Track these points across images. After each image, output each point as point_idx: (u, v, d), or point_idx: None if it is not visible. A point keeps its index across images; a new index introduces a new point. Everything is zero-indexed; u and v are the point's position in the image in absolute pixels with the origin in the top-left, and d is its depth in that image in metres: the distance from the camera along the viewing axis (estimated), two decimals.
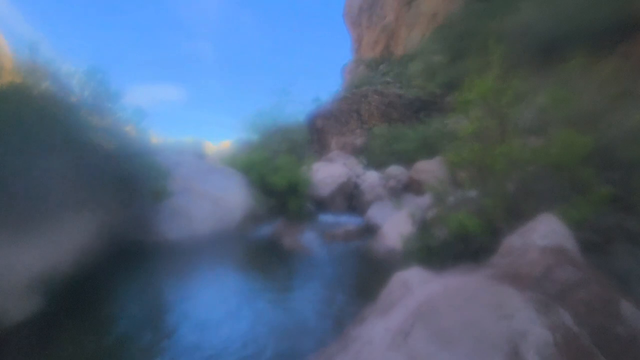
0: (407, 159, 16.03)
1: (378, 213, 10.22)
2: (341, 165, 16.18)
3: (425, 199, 9.23)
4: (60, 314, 4.55)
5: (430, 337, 1.77)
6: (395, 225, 8.23)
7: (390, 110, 22.77)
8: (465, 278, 2.10)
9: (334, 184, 14.07)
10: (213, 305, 5.14)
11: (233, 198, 11.15)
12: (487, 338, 1.68)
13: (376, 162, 18.19)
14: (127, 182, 7.14)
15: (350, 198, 14.36)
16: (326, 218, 12.21)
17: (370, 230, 9.61)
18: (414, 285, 2.40)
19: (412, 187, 12.90)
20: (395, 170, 14.60)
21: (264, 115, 17.59)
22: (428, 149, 15.13)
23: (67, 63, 7.37)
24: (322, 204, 13.58)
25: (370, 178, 14.49)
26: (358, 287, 5.75)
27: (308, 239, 9.06)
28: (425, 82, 24.30)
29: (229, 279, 6.28)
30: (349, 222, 10.92)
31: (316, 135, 24.27)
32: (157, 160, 8.06)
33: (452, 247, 5.39)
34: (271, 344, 3.95)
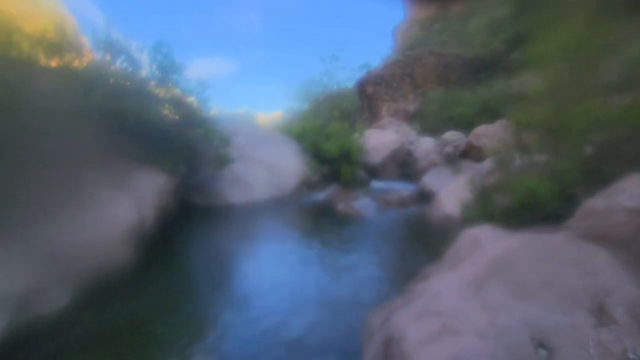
0: (465, 124, 15.13)
1: (433, 180, 9.94)
2: (393, 132, 15.79)
3: (485, 165, 8.77)
4: (145, 262, 5.21)
5: (505, 289, 1.79)
6: (452, 192, 7.99)
7: (447, 73, 21.31)
8: (544, 235, 2.04)
9: (386, 151, 13.85)
10: (274, 263, 5.54)
11: (287, 165, 11.53)
12: (568, 293, 1.65)
13: (431, 128, 17.42)
14: (193, 149, 7.70)
15: (403, 165, 14.07)
16: (378, 185, 12.18)
17: (424, 197, 9.43)
18: (486, 242, 2.38)
19: (470, 153, 12.25)
20: (452, 135, 13.92)
21: (314, 83, 17.53)
22: (489, 113, 14.10)
23: (134, 40, 7.87)
24: (374, 171, 13.50)
25: (425, 144, 14.00)
26: (416, 250, 5.80)
27: (361, 204, 9.18)
28: (487, 40, 22.16)
29: (288, 240, 6.66)
30: (402, 189, 10.80)
31: (366, 102, 23.67)
32: (219, 129, 8.52)
33: (516, 214, 5.15)
34: (330, 302, 4.21)
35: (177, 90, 8.21)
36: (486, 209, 5.80)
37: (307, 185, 11.54)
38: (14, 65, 5.29)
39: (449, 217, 7.25)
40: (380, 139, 14.36)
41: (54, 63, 6.88)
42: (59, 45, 6.85)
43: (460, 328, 1.71)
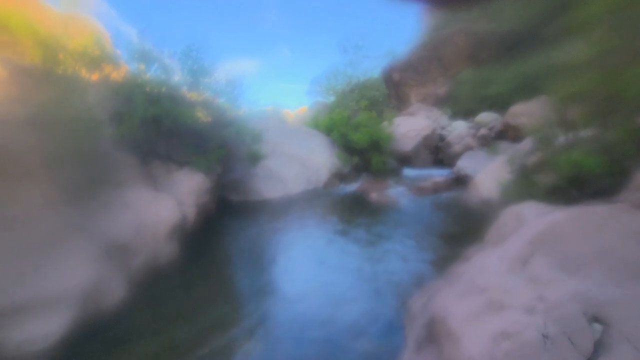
0: (500, 104, 14.41)
1: (469, 163, 9.61)
2: (424, 118, 15.37)
3: (525, 145, 8.36)
4: (189, 256, 5.49)
5: (554, 263, 1.72)
6: (489, 174, 7.70)
7: (478, 51, 20.31)
8: (593, 207, 1.93)
9: (417, 138, 13.54)
10: (311, 253, 5.63)
11: (318, 158, 11.60)
12: (624, 265, 1.56)
13: (463, 111, 16.76)
14: (227, 148, 7.96)
15: (436, 151, 13.71)
16: (411, 173, 11.97)
17: (460, 182, 9.16)
18: (530, 218, 2.29)
19: (507, 133, 11.69)
20: (487, 117, 13.34)
21: (338, 75, 17.43)
22: (527, 90, 13.31)
23: (165, 48, 8.18)
24: (406, 159, 13.26)
25: (458, 128, 13.53)
26: (454, 234, 5.67)
27: (394, 193, 9.08)
28: (521, 11, 20.83)
29: (323, 231, 6.74)
30: (436, 175, 10.54)
31: (394, 90, 23.16)
32: (250, 126, 8.72)
33: (562, 192, 4.89)
34: (370, 288, 4.23)
35: (208, 92, 8.49)
36: (528, 189, 5.55)
37: (339, 177, 11.56)
38: (62, 81, 5.72)
39: (487, 200, 7.00)
40: (410, 126, 14.05)
41: (95, 76, 7.35)
42: (99, 60, 7.29)
43: (506, 303, 1.68)
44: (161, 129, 6.64)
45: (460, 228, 5.93)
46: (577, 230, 1.81)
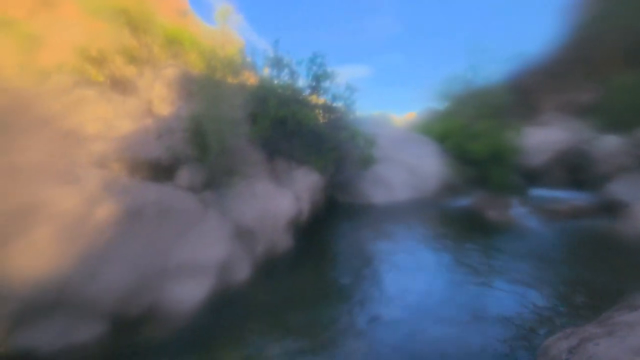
0: None
1: (624, 187, 7.85)
2: (560, 130, 13.19)
3: None
4: (302, 247, 5.90)
5: None
6: None
7: (639, 52, 16.40)
8: None
9: (550, 152, 11.71)
10: (422, 269, 5.35)
11: (428, 167, 11.08)
12: None
13: (616, 123, 13.75)
14: (341, 150, 8.25)
15: (574, 170, 11.60)
16: (539, 192, 10.39)
17: (609, 209, 7.54)
18: None
19: None
20: None
21: (455, 80, 16.21)
22: None
23: (291, 55, 8.92)
24: (534, 176, 11.59)
25: (609, 144, 11.18)
26: (605, 271, 4.64)
27: (518, 213, 8.01)
28: None
29: (434, 244, 6.37)
30: (573, 198, 8.91)
31: (522, 97, 20.48)
32: (364, 130, 8.87)
33: None
34: (493, 321, 3.83)
35: (327, 95, 8.95)
36: None
37: (449, 188, 10.81)
38: (217, 84, 6.76)
39: None
40: (542, 138, 12.24)
41: (236, 81, 8.49)
42: (240, 67, 8.41)
43: None
44: (286, 129, 7.29)
45: (613, 264, 4.86)
46: None
